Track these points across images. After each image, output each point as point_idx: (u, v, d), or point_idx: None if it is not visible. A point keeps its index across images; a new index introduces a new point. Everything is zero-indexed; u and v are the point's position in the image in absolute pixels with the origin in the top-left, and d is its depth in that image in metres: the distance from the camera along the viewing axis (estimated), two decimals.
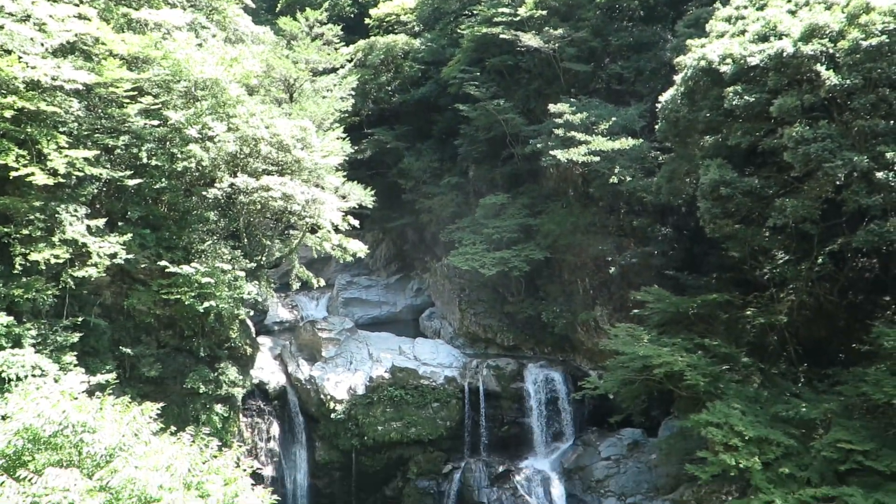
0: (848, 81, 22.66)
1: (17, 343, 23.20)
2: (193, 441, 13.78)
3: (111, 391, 15.03)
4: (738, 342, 28.11)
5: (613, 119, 35.20)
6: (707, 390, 25.75)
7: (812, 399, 24.98)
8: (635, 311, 30.91)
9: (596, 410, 36.84)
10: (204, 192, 30.42)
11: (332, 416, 36.15)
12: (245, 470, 13.74)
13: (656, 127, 30.71)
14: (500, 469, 35.24)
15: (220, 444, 14.45)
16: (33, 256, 24.16)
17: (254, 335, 36.38)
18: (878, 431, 22.79)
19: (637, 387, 29.36)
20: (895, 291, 26.84)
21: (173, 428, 14.37)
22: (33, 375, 20.49)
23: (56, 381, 15.61)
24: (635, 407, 32.37)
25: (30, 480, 11.28)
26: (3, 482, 11.23)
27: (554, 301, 38.82)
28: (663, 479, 31.66)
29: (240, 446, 16.47)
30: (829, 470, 22.65)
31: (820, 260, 26.22)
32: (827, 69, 23.15)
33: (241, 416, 34.62)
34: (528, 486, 34.28)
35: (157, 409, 13.57)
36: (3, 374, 20.73)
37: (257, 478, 26.25)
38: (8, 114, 23.27)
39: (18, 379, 20.34)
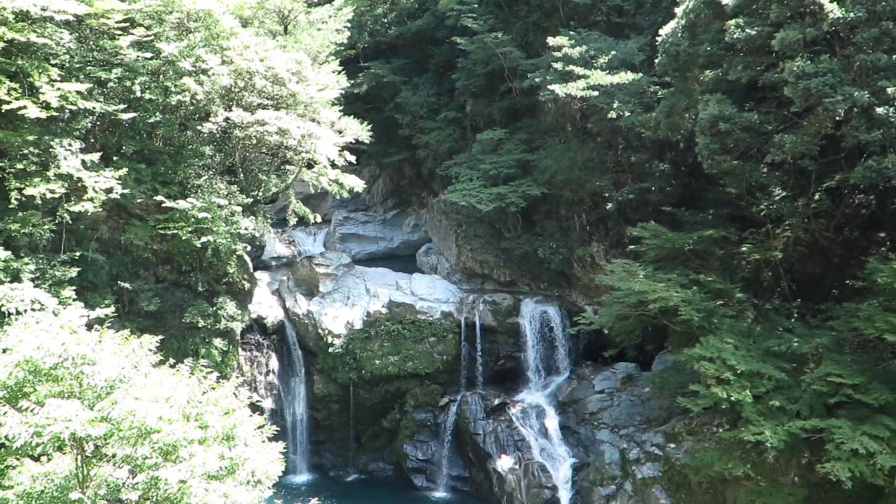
0: (851, 14, 22.29)
1: (15, 277, 23.34)
2: (192, 373, 13.97)
3: (110, 325, 15.16)
4: (732, 278, 28.29)
5: (613, 53, 34.68)
6: (701, 325, 26.04)
7: (804, 334, 25.28)
8: (631, 246, 31.01)
9: (591, 345, 37.27)
10: (199, 127, 30.17)
11: (330, 350, 36.57)
12: (243, 401, 13.97)
13: (656, 61, 30.32)
14: (496, 402, 35.81)
15: (219, 376, 14.67)
16: (28, 191, 24.13)
17: (251, 270, 36.53)
18: (867, 366, 23.15)
19: (632, 322, 29.68)
20: (891, 228, 26.90)
21: (172, 360, 14.55)
22: (33, 310, 20.66)
23: (55, 315, 15.74)
24: (629, 341, 32.76)
25: (32, 411, 11.47)
26: (5, 412, 11.43)
27: (550, 237, 38.88)
28: (656, 412, 32.23)
29: (238, 378, 16.72)
30: (818, 403, 23.08)
31: (817, 196, 26.22)
32: (830, 2, 22.74)
33: (240, 350, 35.06)
34: (524, 418, 34.90)
35: (156, 341, 13.71)
36: (3, 309, 20.92)
37: (257, 410, 26.69)
38: None
39: (18, 313, 20.50)
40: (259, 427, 14.28)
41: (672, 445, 29.72)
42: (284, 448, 14.98)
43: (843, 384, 22.27)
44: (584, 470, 32.21)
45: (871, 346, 23.80)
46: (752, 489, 25.89)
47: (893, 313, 22.01)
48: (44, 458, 13.70)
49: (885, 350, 23.34)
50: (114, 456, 12.23)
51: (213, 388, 13.68)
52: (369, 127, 36.06)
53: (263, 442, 14.27)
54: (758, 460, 25.50)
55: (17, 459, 13.21)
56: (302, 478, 36.67)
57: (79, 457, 12.44)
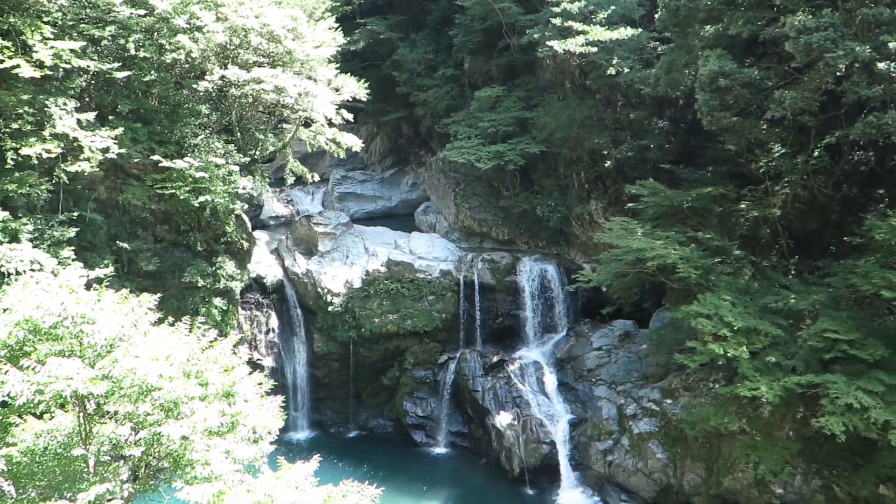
0: None
1: (14, 238, 23.37)
2: (191, 330, 14.05)
3: (109, 285, 15.21)
4: (730, 235, 28.31)
5: (612, 8, 34.26)
6: (698, 282, 26.12)
7: (801, 291, 25.36)
8: (630, 204, 30.95)
9: (589, 303, 37.46)
10: (194, 85, 29.94)
11: (330, 308, 36.72)
12: (242, 358, 14.08)
13: (656, 16, 29.96)
14: (495, 359, 36.08)
15: (218, 333, 14.77)
16: (25, 151, 24.06)
17: (250, 230, 36.55)
18: (863, 322, 23.26)
19: (630, 279, 29.76)
20: (890, 184, 26.84)
21: (171, 319, 14.63)
22: (32, 270, 20.71)
23: (55, 274, 15.80)
24: (627, 299, 32.90)
25: (33, 370, 11.57)
26: (6, 371, 11.52)
27: (549, 195, 38.79)
28: (653, 368, 32.52)
29: (237, 335, 16.81)
30: (814, 359, 23.25)
31: (816, 153, 26.09)
32: None
33: (239, 309, 35.22)
34: (522, 375, 35.19)
35: (155, 300, 13.77)
36: (2, 269, 20.98)
37: (258, 368, 26.92)
38: None
39: (17, 273, 20.57)
40: (258, 384, 14.42)
41: (669, 401, 30.04)
42: (284, 404, 15.13)
43: (839, 340, 22.39)
44: (581, 425, 32.61)
45: (868, 302, 23.91)
46: (746, 443, 26.25)
47: (890, 269, 22.06)
48: (46, 416, 13.87)
49: (881, 306, 23.46)
50: (115, 413, 12.38)
51: (212, 345, 13.77)
52: (366, 85, 35.74)
53: (262, 397, 14.42)
54: (753, 415, 25.80)
55: (20, 417, 13.38)
56: (303, 435, 37.11)
57: (81, 414, 12.59)
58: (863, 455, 24.16)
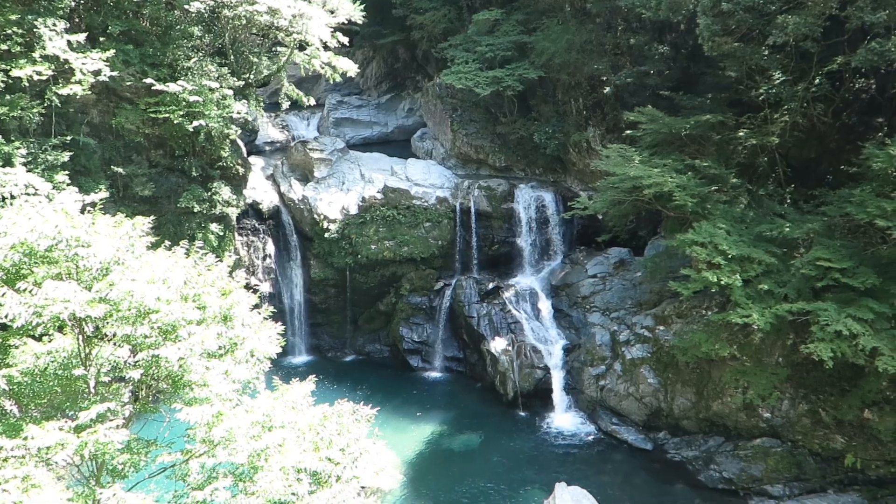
0: None
1: (7, 162, 23.25)
2: (188, 254, 14.11)
3: (104, 209, 15.21)
4: (728, 163, 28.20)
5: None
6: (694, 210, 26.15)
7: (796, 219, 25.42)
8: (628, 131, 30.70)
9: (584, 230, 37.59)
10: (186, 6, 29.34)
11: (326, 235, 36.80)
12: (239, 282, 14.18)
13: None
14: (490, 286, 36.37)
15: (215, 259, 14.84)
16: (15, 73, 23.74)
17: (245, 155, 36.31)
18: (856, 250, 23.39)
19: (626, 207, 29.78)
20: (889, 112, 26.65)
21: (168, 244, 14.68)
22: (26, 194, 20.64)
23: (49, 199, 15.76)
24: (623, 227, 33.03)
25: (30, 292, 11.65)
26: (3, 293, 11.61)
27: (546, 122, 38.47)
28: (647, 296, 32.83)
29: (231, 257, 16.86)
30: (806, 287, 23.46)
31: (817, 80, 25.80)
32: None
33: (236, 235, 35.27)
34: (517, 301, 35.55)
35: (148, 222, 13.78)
36: None
37: (255, 294, 27.11)
38: None
39: (12, 197, 20.51)
40: (255, 307, 14.56)
41: (661, 328, 30.43)
42: (283, 329, 15.31)
43: (832, 268, 22.54)
44: (575, 351, 33.10)
45: (862, 231, 24.00)
46: (736, 369, 26.73)
47: (886, 198, 22.06)
48: (45, 339, 14.05)
49: (874, 235, 23.54)
50: (114, 335, 12.53)
51: (209, 269, 13.85)
52: (362, 7, 35.04)
53: (264, 321, 14.58)
54: (744, 342, 26.19)
55: (20, 339, 13.55)
56: (300, 359, 37.66)
57: (79, 336, 12.75)
58: (849, 381, 24.67)
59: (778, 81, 26.57)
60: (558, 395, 32.09)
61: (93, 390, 13.14)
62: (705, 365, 28.33)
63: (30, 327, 12.00)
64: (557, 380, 32.43)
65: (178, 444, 13.17)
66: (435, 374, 36.18)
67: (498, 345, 33.57)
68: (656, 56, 33.84)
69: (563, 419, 31.44)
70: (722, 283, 23.52)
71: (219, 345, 13.14)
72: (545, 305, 35.62)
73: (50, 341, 14.04)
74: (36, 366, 13.55)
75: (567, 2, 37.94)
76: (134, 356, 12.73)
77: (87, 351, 12.91)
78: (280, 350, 15.08)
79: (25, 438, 10.98)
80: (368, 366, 37.46)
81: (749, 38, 26.23)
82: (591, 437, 30.20)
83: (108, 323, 12.09)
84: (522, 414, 32.05)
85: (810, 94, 26.10)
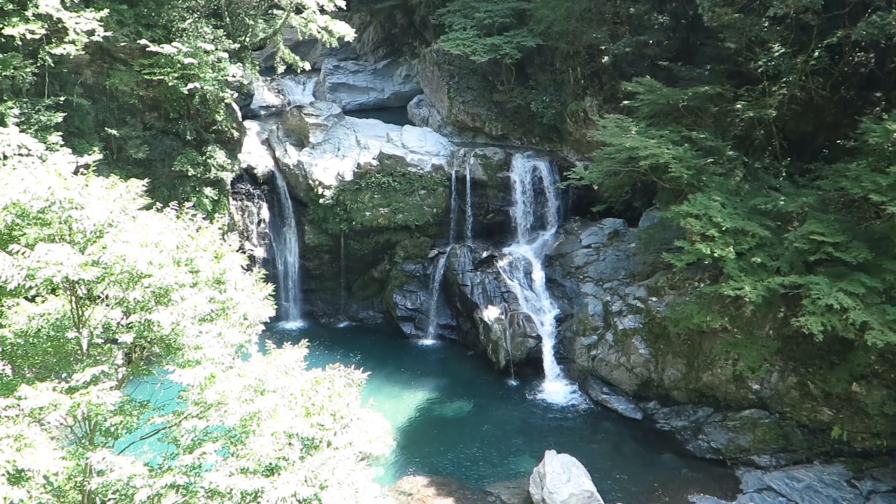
0: None
1: (0, 122, 23.05)
2: (179, 216, 14.05)
3: (98, 171, 15.13)
4: (725, 136, 28.12)
5: None
6: (690, 182, 26.13)
7: (791, 193, 25.43)
8: (625, 102, 30.54)
9: (580, 201, 37.57)
10: None
11: (321, 201, 36.71)
12: (231, 246, 14.15)
13: None
14: (484, 254, 36.43)
15: (204, 217, 14.80)
16: (7, 31, 23.50)
17: (240, 119, 36.08)
18: (850, 225, 23.43)
19: (621, 178, 29.76)
20: (887, 87, 26.56)
21: (159, 205, 14.63)
22: (20, 155, 20.52)
23: (42, 160, 15.67)
24: (618, 198, 33.04)
25: (23, 254, 11.61)
26: None
27: (544, 90, 38.24)
28: (640, 267, 32.92)
29: (220, 219, 16.78)
30: (798, 260, 23.54)
31: (816, 53, 25.67)
32: None
33: (230, 199, 35.17)
34: (511, 270, 35.62)
35: (143, 185, 13.71)
36: None
37: (250, 258, 27.12)
38: None
39: (4, 158, 20.37)
40: (247, 268, 14.56)
41: (654, 299, 30.57)
42: (274, 293, 15.32)
43: (825, 242, 22.59)
44: (567, 321, 33.27)
45: (856, 205, 24.04)
46: (727, 341, 26.92)
47: (881, 173, 22.05)
48: (38, 300, 14.05)
49: (868, 210, 23.58)
50: (107, 297, 12.53)
51: (199, 230, 13.80)
52: None
53: (255, 285, 14.59)
54: (735, 314, 26.34)
55: (13, 300, 13.54)
56: (294, 324, 37.77)
57: (72, 299, 12.75)
58: (839, 354, 24.87)
59: (777, 54, 26.43)
60: (550, 365, 32.31)
61: (86, 352, 13.17)
62: (696, 336, 28.51)
63: (22, 290, 12.00)
64: (549, 349, 32.64)
65: (170, 406, 13.24)
66: (428, 342, 36.36)
67: (491, 313, 33.70)
68: (656, 26, 33.58)
69: (555, 388, 31.69)
70: (715, 255, 23.58)
71: (211, 309, 13.15)
72: (539, 275, 35.72)
73: (43, 302, 14.04)
74: (29, 327, 13.56)
75: None
76: (126, 318, 12.74)
77: (80, 313, 12.92)
78: (273, 314, 15.11)
79: (19, 398, 11.02)
80: (362, 332, 37.60)
81: (749, 9, 26.07)
82: (581, 407, 30.47)
83: (100, 286, 12.08)
84: (514, 382, 32.28)
85: (809, 66, 25.98)
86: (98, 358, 13.16)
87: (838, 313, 21.50)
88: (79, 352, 13.20)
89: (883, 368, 24.46)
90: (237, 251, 14.61)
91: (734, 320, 26.50)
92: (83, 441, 12.49)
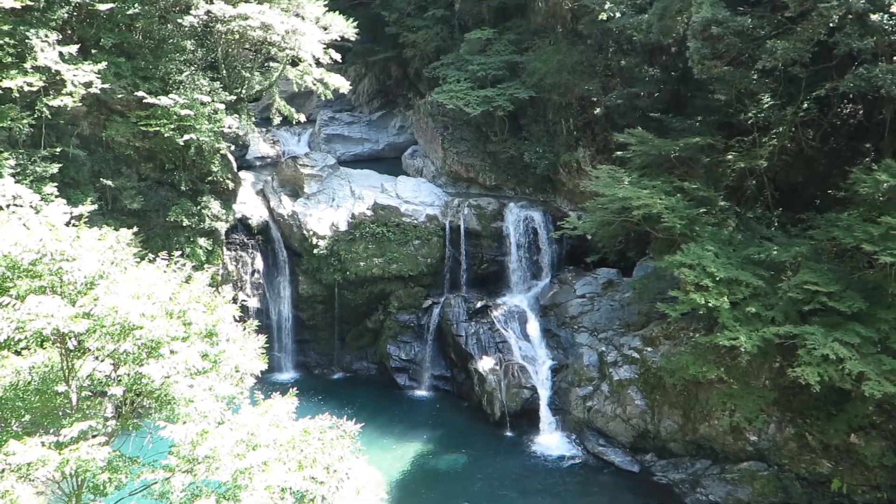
0: None
1: None
2: (169, 265, 13.99)
3: (90, 221, 15.11)
4: (716, 186, 28.31)
5: None
6: (683, 232, 26.22)
7: (784, 243, 25.53)
8: (618, 153, 30.83)
9: (573, 250, 37.62)
10: (179, 20, 29.40)
11: (315, 251, 36.69)
12: (225, 297, 14.07)
13: None
14: (479, 304, 36.30)
15: (195, 267, 14.74)
16: (5, 83, 23.69)
17: (235, 170, 36.25)
18: (843, 274, 23.48)
19: (615, 228, 29.84)
20: (876, 137, 26.84)
21: (151, 256, 14.58)
22: (15, 205, 20.50)
23: (36, 211, 15.65)
24: (612, 248, 33.06)
25: (13, 307, 11.52)
26: None
27: (537, 141, 38.61)
28: (635, 317, 32.84)
29: (213, 269, 16.72)
30: (793, 310, 23.52)
31: (805, 104, 26.01)
32: None
33: (225, 249, 35.11)
34: (505, 320, 35.49)
35: (133, 233, 13.67)
36: None
37: (243, 309, 26.94)
38: None
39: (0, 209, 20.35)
40: (239, 319, 14.44)
41: (649, 349, 30.41)
42: (268, 344, 15.18)
43: (819, 292, 22.62)
44: (562, 371, 33.04)
45: (849, 255, 24.10)
46: (724, 391, 26.70)
47: (873, 223, 22.17)
48: (26, 353, 13.90)
49: (861, 259, 23.63)
50: (98, 349, 12.41)
51: (189, 280, 13.73)
52: (355, 24, 35.16)
53: (246, 337, 14.46)
54: (731, 364, 26.16)
55: (1, 352, 13.39)
56: (287, 376, 37.38)
57: (62, 351, 12.62)
58: (836, 405, 24.67)
59: (767, 105, 26.77)
60: (545, 416, 31.96)
61: (75, 405, 13.00)
62: (692, 387, 28.30)
63: (11, 342, 11.87)
64: (544, 400, 32.33)
65: (161, 460, 13.00)
66: (422, 393, 36.00)
67: (485, 364, 33.47)
68: (647, 78, 34.08)
69: (550, 440, 31.30)
70: (710, 305, 23.55)
71: (203, 364, 13.02)
72: (533, 325, 35.59)
73: (31, 355, 13.89)
74: (17, 380, 13.39)
75: (559, 23, 38.22)
76: (116, 370, 12.60)
77: (70, 365, 12.78)
78: (265, 367, 14.95)
79: (7, 454, 10.83)
80: (356, 383, 37.22)
81: (738, 61, 26.44)
82: (577, 459, 30.05)
83: (91, 338, 11.97)
84: (509, 434, 31.89)
85: (798, 118, 26.31)
86: (87, 412, 12.98)
87: (834, 363, 21.40)
88: (68, 405, 13.03)
89: (881, 419, 24.26)
90: (230, 302, 14.52)
91: (730, 370, 26.32)
92: (71, 498, 12.24)
